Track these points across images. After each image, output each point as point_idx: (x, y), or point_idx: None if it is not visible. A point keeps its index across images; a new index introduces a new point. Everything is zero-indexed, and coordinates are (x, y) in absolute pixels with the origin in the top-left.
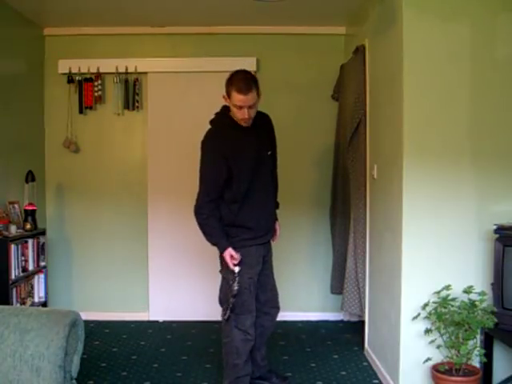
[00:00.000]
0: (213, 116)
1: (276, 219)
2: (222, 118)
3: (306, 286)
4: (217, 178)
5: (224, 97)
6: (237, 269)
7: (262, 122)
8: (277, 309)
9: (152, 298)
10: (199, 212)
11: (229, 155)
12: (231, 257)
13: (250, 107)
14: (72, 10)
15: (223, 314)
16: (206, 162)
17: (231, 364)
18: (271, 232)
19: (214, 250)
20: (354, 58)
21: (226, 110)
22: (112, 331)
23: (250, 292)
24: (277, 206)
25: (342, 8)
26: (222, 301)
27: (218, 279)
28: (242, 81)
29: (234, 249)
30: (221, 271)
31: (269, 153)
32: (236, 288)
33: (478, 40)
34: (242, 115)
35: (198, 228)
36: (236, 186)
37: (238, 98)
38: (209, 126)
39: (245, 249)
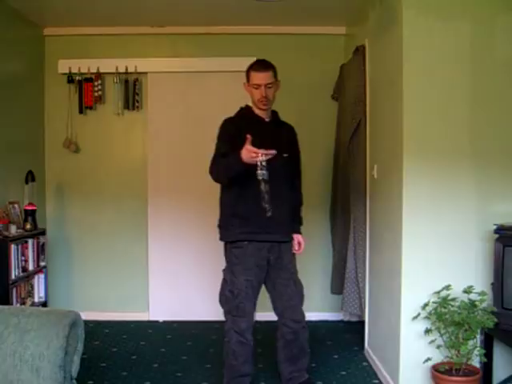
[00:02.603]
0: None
1: (297, 232)
2: (242, 109)
3: (306, 286)
4: (226, 143)
5: (244, 84)
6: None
7: (286, 130)
8: (298, 323)
9: (152, 298)
10: (210, 168)
11: (236, 138)
12: (247, 150)
13: (267, 86)
14: (72, 10)
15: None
16: (218, 138)
17: (228, 364)
18: (277, 234)
19: (214, 250)
20: (353, 58)
21: (248, 106)
22: (112, 331)
23: (247, 294)
24: (300, 221)
25: (342, 8)
26: (222, 301)
27: (218, 279)
28: (259, 62)
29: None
30: (223, 270)
31: (284, 155)
32: (264, 175)
33: (478, 40)
34: (259, 94)
35: (197, 228)
36: (244, 176)
37: (255, 76)
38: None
39: (241, 249)
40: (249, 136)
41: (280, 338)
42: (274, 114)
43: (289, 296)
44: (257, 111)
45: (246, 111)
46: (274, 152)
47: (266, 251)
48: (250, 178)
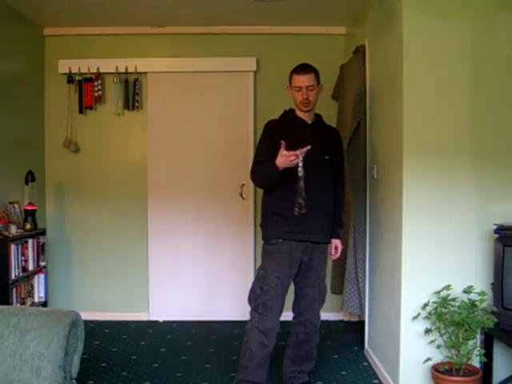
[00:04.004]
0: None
1: (336, 236)
2: (286, 112)
3: None
4: (264, 147)
5: (287, 88)
6: (300, 153)
7: (329, 133)
8: (313, 326)
9: (152, 298)
10: (251, 175)
11: (277, 140)
12: (284, 156)
13: (308, 89)
14: (72, 10)
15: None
16: (259, 141)
17: (242, 365)
18: (314, 235)
19: (215, 250)
20: (353, 58)
21: (291, 109)
22: (112, 331)
23: (276, 292)
24: (341, 224)
25: (342, 8)
26: (250, 298)
27: (218, 279)
28: (300, 65)
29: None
30: (258, 268)
31: (326, 157)
32: (301, 174)
33: (478, 40)
34: (301, 96)
35: (198, 228)
36: (286, 177)
37: (296, 78)
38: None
39: (275, 246)
40: (283, 142)
41: (293, 336)
42: (318, 117)
43: (311, 298)
44: (299, 114)
45: (289, 114)
46: (309, 147)
47: (299, 252)
48: (292, 179)
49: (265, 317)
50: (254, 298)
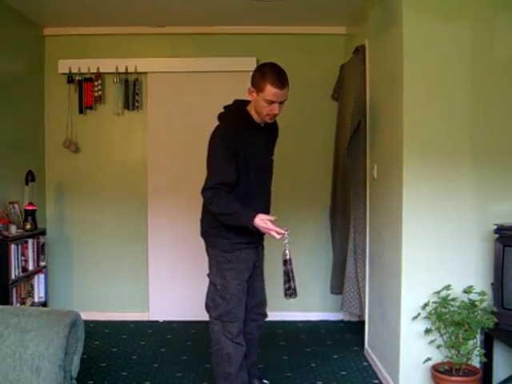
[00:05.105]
0: (222, 110)
1: None
2: (236, 114)
3: (305, 286)
4: (226, 163)
5: (250, 90)
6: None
7: (271, 127)
8: (263, 316)
9: (152, 298)
10: (203, 195)
11: (240, 152)
12: (267, 226)
13: (280, 103)
14: (72, 10)
15: (214, 317)
16: (215, 153)
17: (223, 373)
18: (262, 239)
19: None
20: (353, 58)
21: (240, 104)
22: (112, 331)
23: (239, 299)
24: None
25: (342, 8)
26: (210, 307)
27: None
28: (277, 74)
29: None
30: (208, 275)
31: (272, 158)
32: (288, 257)
33: (478, 40)
34: (272, 110)
35: (197, 228)
36: (242, 186)
37: (272, 91)
38: (214, 122)
39: (234, 253)
40: (273, 219)
41: (246, 334)
42: None
43: (261, 291)
44: (255, 117)
45: (244, 115)
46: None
47: (253, 254)
48: (250, 195)
49: (230, 324)
50: (214, 307)
